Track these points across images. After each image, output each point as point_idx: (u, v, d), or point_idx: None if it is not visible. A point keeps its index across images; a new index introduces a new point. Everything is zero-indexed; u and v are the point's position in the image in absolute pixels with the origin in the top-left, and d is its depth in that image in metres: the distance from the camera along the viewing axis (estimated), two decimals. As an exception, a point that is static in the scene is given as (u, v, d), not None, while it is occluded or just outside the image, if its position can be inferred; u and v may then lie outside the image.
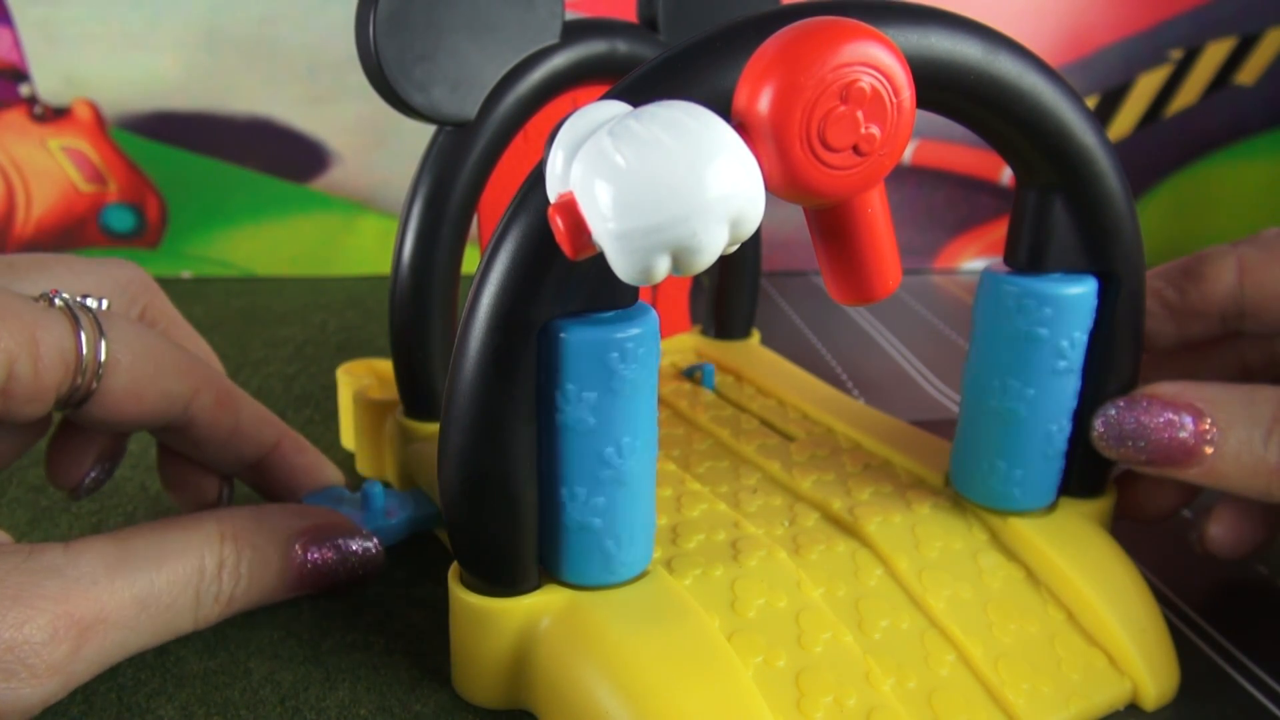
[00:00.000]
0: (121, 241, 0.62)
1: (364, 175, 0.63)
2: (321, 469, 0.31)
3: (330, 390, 0.44)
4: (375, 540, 0.28)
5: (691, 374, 0.39)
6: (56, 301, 0.25)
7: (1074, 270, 0.26)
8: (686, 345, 0.42)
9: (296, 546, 0.26)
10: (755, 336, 0.43)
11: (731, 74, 0.20)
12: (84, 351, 0.25)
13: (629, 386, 0.22)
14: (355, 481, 0.37)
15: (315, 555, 0.27)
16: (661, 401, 0.37)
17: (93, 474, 0.29)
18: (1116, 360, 0.27)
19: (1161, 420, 0.26)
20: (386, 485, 0.30)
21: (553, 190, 0.18)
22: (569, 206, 0.17)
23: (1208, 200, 0.72)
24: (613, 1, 0.56)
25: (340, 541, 0.27)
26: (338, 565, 0.27)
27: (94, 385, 0.25)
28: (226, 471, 0.30)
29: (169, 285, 0.32)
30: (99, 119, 0.60)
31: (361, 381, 0.37)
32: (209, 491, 0.30)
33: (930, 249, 0.70)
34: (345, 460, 0.38)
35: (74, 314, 0.25)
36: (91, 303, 0.27)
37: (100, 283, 0.29)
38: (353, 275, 0.65)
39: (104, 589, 0.23)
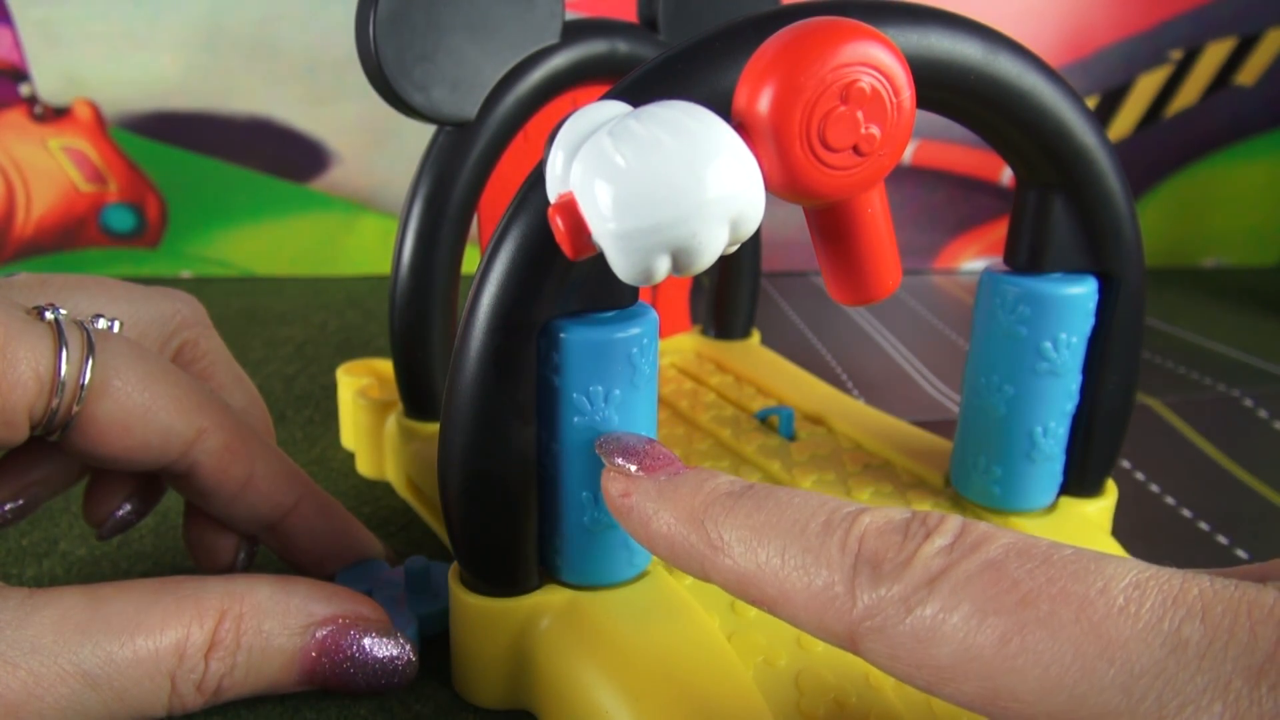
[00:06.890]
0: (121, 241, 0.63)
1: (364, 175, 0.63)
2: (351, 536, 0.28)
3: (330, 390, 0.44)
4: (408, 648, 0.24)
5: (765, 418, 0.35)
6: (48, 315, 0.23)
7: (1074, 270, 0.26)
8: (686, 345, 0.42)
9: (313, 638, 0.23)
10: (755, 336, 0.43)
11: (731, 74, 0.20)
12: (63, 370, 0.22)
13: (646, 382, 0.23)
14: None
15: (334, 656, 0.23)
16: (661, 401, 0.37)
17: (119, 513, 0.26)
18: (1116, 360, 0.27)
19: None
20: (431, 559, 0.27)
21: (553, 190, 0.18)
22: (569, 207, 0.17)
23: (1208, 200, 0.72)
24: (613, 2, 0.56)
25: (367, 642, 0.23)
26: (357, 672, 0.23)
27: (74, 409, 0.22)
28: (242, 531, 0.27)
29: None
30: (99, 119, 0.60)
31: (361, 381, 0.37)
32: (223, 553, 0.27)
33: (930, 249, 0.70)
34: (346, 460, 0.38)
35: (61, 330, 0.22)
36: (102, 324, 0.25)
37: (136, 310, 0.26)
38: (353, 275, 0.65)
39: (44, 660, 0.20)
